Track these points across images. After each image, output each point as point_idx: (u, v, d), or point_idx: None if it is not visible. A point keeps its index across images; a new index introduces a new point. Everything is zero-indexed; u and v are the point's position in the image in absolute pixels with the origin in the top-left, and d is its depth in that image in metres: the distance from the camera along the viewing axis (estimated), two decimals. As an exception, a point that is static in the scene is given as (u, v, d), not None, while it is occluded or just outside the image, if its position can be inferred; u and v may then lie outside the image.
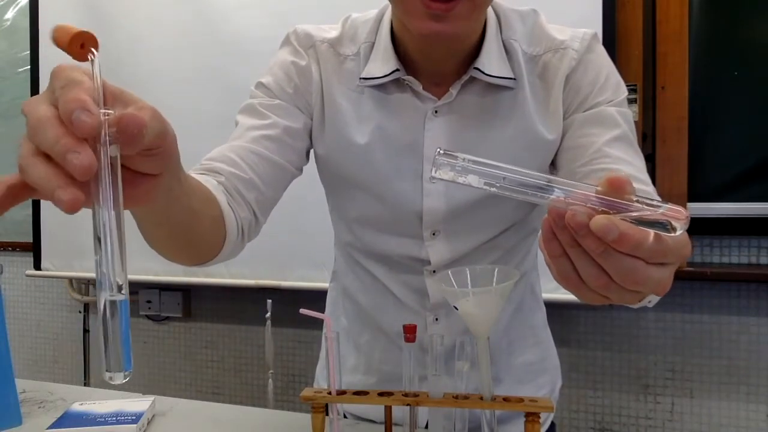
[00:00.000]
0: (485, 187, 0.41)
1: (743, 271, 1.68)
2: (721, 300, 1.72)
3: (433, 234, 0.80)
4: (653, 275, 0.40)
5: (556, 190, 0.40)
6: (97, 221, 0.35)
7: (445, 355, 0.67)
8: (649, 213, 0.38)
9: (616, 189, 0.39)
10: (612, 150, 0.71)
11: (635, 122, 0.78)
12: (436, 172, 0.42)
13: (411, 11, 0.67)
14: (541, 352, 0.93)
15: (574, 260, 0.41)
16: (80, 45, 0.35)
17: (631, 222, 0.38)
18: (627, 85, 0.79)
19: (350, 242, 0.88)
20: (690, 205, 1.67)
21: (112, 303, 0.34)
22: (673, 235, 0.38)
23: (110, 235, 0.35)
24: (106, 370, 0.34)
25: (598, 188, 0.39)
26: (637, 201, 0.39)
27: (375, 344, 0.90)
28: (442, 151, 0.42)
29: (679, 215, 0.38)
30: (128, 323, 0.34)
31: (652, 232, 0.38)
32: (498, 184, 0.41)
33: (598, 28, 1.56)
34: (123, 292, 0.34)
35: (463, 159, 0.41)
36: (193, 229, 0.60)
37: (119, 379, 0.34)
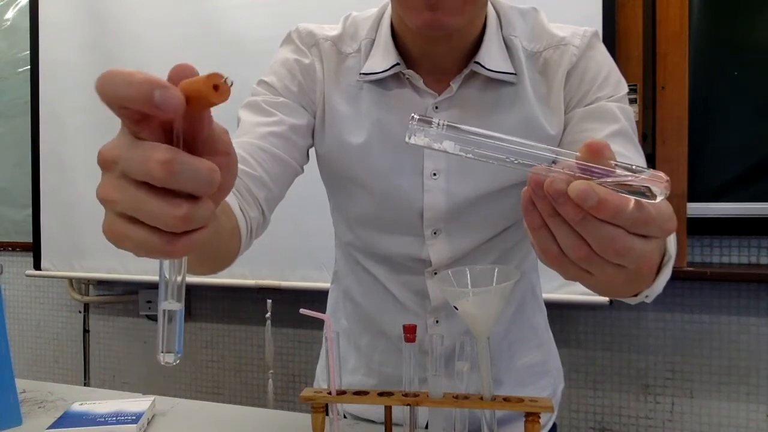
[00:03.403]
0: (461, 153, 0.40)
1: (743, 271, 1.67)
2: (721, 300, 1.72)
3: (434, 233, 0.80)
4: (635, 246, 0.39)
5: (535, 156, 0.39)
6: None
7: (445, 356, 0.67)
8: (629, 178, 0.37)
9: (595, 153, 0.38)
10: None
11: (635, 122, 0.78)
12: (411, 139, 0.41)
13: (407, 3, 0.68)
14: (542, 353, 0.93)
15: (553, 231, 0.40)
16: (214, 86, 0.32)
17: (611, 189, 0.37)
18: (627, 86, 0.79)
19: (351, 242, 0.88)
20: (690, 205, 1.67)
21: (170, 311, 0.37)
22: (653, 201, 0.37)
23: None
24: (161, 351, 0.37)
25: (578, 155, 0.38)
26: (617, 166, 0.37)
27: (375, 346, 0.90)
28: (417, 117, 0.41)
29: (658, 180, 0.37)
30: (182, 321, 0.38)
31: (632, 198, 0.37)
32: (474, 150, 0.40)
33: (598, 28, 1.55)
34: (179, 301, 0.38)
35: (438, 125, 0.40)
36: (213, 246, 0.59)
37: (170, 359, 0.38)
